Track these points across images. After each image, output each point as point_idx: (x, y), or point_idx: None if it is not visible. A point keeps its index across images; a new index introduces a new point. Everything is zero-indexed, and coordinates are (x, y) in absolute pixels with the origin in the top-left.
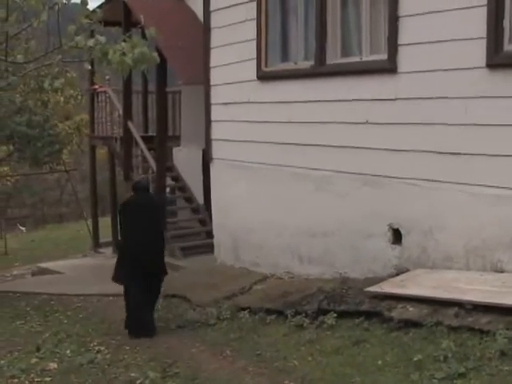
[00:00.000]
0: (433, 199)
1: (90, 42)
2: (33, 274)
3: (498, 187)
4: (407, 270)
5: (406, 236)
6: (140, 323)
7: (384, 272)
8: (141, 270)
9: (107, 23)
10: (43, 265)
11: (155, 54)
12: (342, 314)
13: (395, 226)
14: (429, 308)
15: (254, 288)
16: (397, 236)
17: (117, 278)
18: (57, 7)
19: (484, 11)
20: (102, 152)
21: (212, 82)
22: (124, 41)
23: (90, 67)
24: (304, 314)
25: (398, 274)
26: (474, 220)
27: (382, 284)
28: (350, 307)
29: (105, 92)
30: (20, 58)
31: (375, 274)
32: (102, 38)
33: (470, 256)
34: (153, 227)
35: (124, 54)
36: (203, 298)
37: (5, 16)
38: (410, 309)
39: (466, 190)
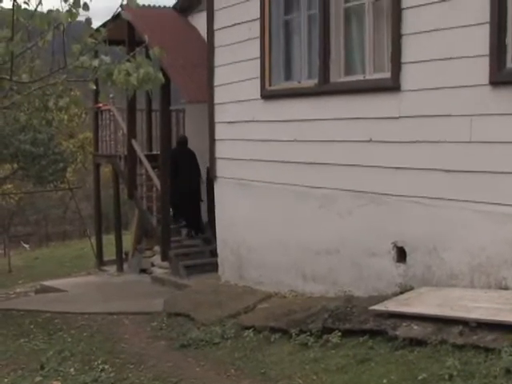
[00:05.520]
0: (437, 217)
1: (95, 63)
2: (36, 292)
3: (502, 205)
4: (412, 288)
5: (411, 254)
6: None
7: (388, 290)
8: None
9: (111, 42)
10: (47, 283)
11: (160, 75)
12: (347, 333)
13: (399, 244)
14: (433, 326)
15: (259, 306)
16: (401, 254)
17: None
18: (62, 27)
19: (487, 28)
20: (106, 170)
21: (216, 101)
22: (128, 60)
23: (94, 87)
24: (308, 333)
25: (402, 292)
26: (479, 237)
27: (386, 302)
28: (355, 326)
29: (109, 110)
30: (25, 77)
31: (380, 292)
32: (107, 59)
33: (475, 274)
34: (192, 168)
35: (129, 74)
36: (207, 316)
37: (10, 35)
38: (415, 327)
39: (471, 208)
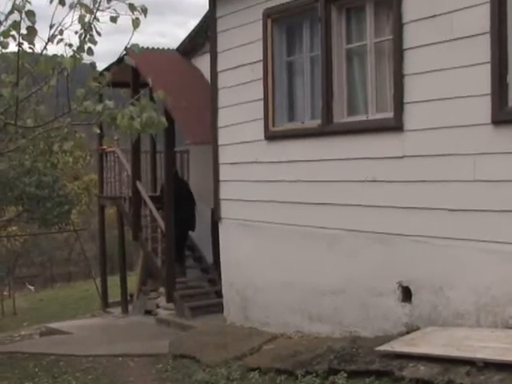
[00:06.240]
0: (442, 256)
1: (99, 107)
2: (41, 335)
3: (507, 243)
4: (418, 328)
5: (416, 294)
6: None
7: (394, 330)
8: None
9: (115, 84)
10: (52, 325)
11: (163, 119)
12: (353, 374)
13: (405, 284)
14: (440, 367)
15: (264, 348)
16: (407, 294)
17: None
18: (66, 72)
19: (488, 68)
20: (110, 212)
21: (220, 142)
22: (132, 104)
23: (98, 131)
24: (314, 374)
25: (408, 332)
26: (484, 277)
27: (392, 343)
28: (361, 366)
29: (113, 152)
30: (30, 122)
31: (385, 332)
32: (111, 103)
33: (481, 313)
34: (189, 198)
35: (132, 118)
36: (213, 358)
37: (15, 81)
38: (422, 368)
39: (476, 247)
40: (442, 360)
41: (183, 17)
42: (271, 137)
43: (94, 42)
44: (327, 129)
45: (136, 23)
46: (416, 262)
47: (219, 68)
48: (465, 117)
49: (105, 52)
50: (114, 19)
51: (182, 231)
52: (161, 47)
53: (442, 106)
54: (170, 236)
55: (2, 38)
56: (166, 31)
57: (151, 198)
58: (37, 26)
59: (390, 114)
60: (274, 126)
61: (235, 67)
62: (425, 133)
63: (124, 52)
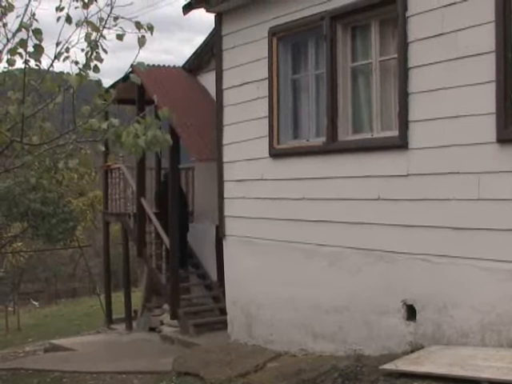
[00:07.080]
0: (446, 274)
1: (104, 125)
2: (45, 351)
3: (511, 262)
4: (422, 347)
5: (421, 312)
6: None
7: (399, 348)
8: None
9: (121, 101)
10: (56, 341)
11: (168, 137)
12: None
13: (409, 302)
14: None
15: (268, 365)
16: (411, 312)
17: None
18: (72, 90)
19: (493, 87)
20: (115, 228)
21: (225, 159)
22: (137, 122)
23: (104, 149)
24: None
25: (412, 351)
26: (489, 295)
27: (396, 361)
28: None
29: (118, 169)
30: (35, 139)
31: (390, 350)
32: (116, 121)
33: (486, 332)
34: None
35: (137, 136)
36: (217, 375)
37: (21, 98)
38: None
39: (480, 265)
40: (446, 379)
41: (189, 34)
42: (276, 154)
43: (100, 60)
44: (332, 147)
45: (142, 42)
46: (420, 281)
47: (224, 85)
48: (470, 135)
49: (110, 68)
50: (120, 37)
51: (180, 235)
52: (166, 64)
53: (447, 124)
54: (175, 253)
55: (9, 56)
56: (172, 48)
57: (156, 214)
58: (43, 44)
59: (394, 133)
60: (278, 143)
61: (240, 85)
62: (430, 151)
63: (130, 69)
